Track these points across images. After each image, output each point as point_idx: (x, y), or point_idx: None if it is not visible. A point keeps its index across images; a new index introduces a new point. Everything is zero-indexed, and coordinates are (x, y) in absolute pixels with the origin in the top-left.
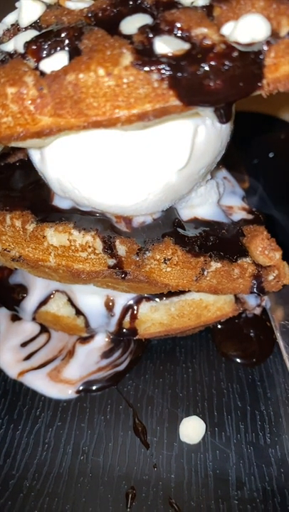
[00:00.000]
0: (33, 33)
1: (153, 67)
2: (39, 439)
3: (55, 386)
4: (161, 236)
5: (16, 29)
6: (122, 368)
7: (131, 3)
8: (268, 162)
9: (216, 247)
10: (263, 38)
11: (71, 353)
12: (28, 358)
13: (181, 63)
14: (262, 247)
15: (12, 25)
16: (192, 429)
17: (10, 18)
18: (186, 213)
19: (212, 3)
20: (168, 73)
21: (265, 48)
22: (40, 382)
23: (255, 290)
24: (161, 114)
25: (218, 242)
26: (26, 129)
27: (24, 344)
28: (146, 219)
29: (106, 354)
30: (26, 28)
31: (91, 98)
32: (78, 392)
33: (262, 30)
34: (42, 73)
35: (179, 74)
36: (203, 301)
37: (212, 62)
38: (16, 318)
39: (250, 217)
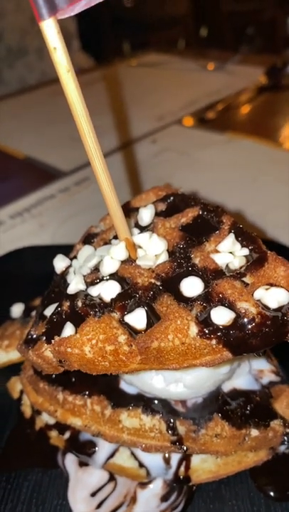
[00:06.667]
0: (114, 286)
1: (212, 336)
2: None
3: None
4: (210, 413)
5: (96, 273)
6: (179, 509)
7: (184, 264)
8: None
9: (253, 414)
10: (287, 302)
11: (134, 500)
12: (98, 506)
13: (231, 331)
14: (286, 403)
15: (94, 269)
16: None
17: (91, 263)
18: (226, 386)
19: (245, 272)
20: (222, 339)
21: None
22: None
23: (285, 443)
24: (217, 362)
25: (254, 409)
26: (118, 369)
27: (94, 493)
28: (198, 399)
29: (164, 497)
30: (108, 277)
31: (169, 355)
32: None
33: (285, 297)
34: (129, 327)
35: (231, 339)
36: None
37: (254, 330)
38: (83, 463)
39: (277, 379)
